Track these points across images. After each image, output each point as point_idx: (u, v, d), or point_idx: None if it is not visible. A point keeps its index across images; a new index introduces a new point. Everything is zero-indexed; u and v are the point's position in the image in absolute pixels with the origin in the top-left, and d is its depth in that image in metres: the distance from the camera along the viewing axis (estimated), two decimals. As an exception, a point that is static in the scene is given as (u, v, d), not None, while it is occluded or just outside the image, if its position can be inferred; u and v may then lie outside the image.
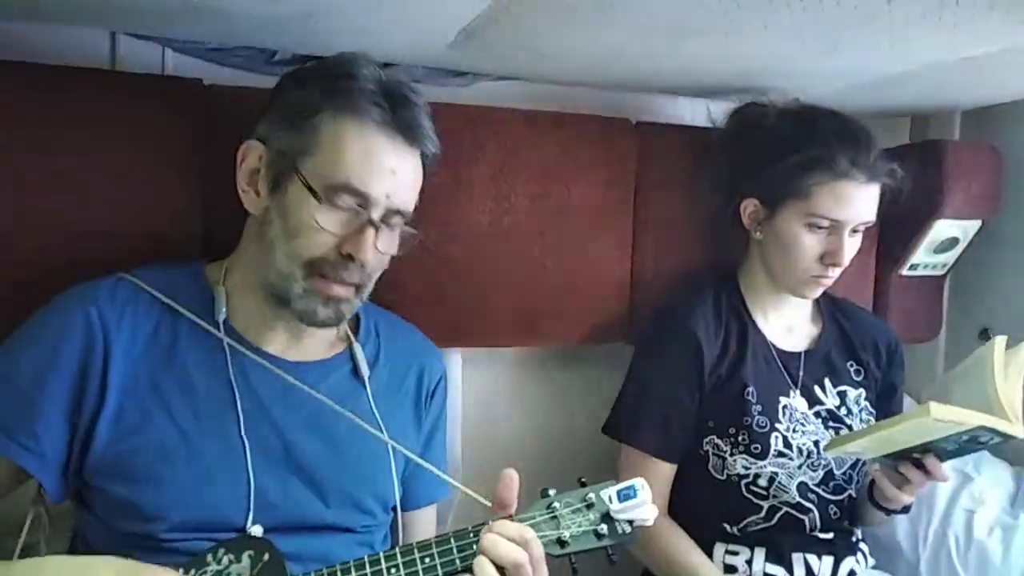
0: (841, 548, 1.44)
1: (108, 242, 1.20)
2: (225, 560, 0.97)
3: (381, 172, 1.04)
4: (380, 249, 1.06)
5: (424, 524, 1.25)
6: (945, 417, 1.11)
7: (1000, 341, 1.21)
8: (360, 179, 1.03)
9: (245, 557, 0.97)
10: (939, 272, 1.82)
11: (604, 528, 0.97)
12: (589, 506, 0.98)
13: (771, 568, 1.40)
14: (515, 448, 1.65)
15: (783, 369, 1.47)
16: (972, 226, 1.74)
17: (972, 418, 1.13)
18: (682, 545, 1.40)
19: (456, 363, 1.54)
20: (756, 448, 1.39)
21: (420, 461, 1.15)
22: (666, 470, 1.43)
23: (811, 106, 1.44)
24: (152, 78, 1.28)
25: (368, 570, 0.96)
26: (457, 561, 0.95)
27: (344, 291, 1.06)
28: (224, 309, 1.10)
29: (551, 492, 1.00)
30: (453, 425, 1.50)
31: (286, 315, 1.09)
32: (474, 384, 1.63)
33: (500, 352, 1.62)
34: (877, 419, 1.51)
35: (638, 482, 0.99)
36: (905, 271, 1.76)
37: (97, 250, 1.19)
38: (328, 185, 1.02)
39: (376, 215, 1.05)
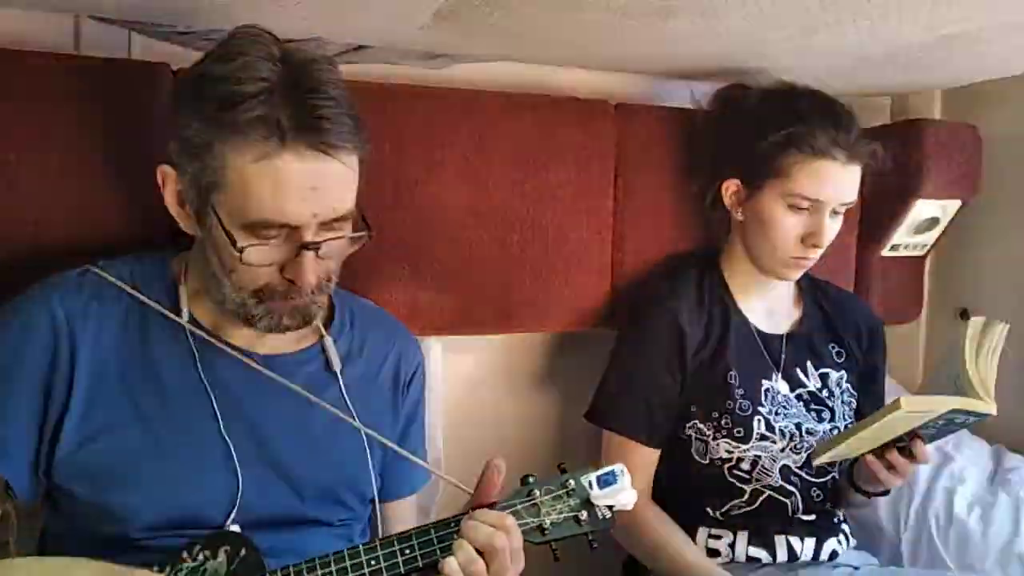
0: (823, 529, 1.44)
1: (73, 232, 1.17)
2: (201, 557, 0.96)
3: (299, 196, 0.93)
4: (323, 264, 1.00)
5: (404, 515, 1.24)
6: (916, 408, 1.16)
7: (976, 322, 1.22)
8: (277, 211, 0.93)
9: (221, 553, 0.96)
10: (919, 252, 1.82)
11: (584, 514, 0.97)
12: (569, 492, 0.98)
13: (754, 551, 1.40)
14: (497, 435, 1.63)
15: (765, 352, 1.46)
16: (952, 206, 1.74)
17: (943, 403, 1.16)
18: (667, 530, 1.39)
19: (437, 351, 1.52)
20: (739, 432, 1.39)
21: (397, 448, 1.13)
22: (649, 455, 1.43)
23: (793, 86, 1.44)
24: (118, 62, 1.24)
25: (348, 562, 0.94)
26: (438, 551, 0.94)
27: (304, 300, 1.01)
28: (185, 308, 1.06)
29: (531, 479, 0.99)
30: (435, 413, 1.49)
31: None
32: (455, 372, 1.61)
33: (481, 339, 1.61)
34: (858, 401, 1.52)
35: (618, 467, 0.98)
36: (886, 252, 1.77)
37: (61, 240, 1.16)
38: (245, 224, 0.94)
39: (309, 236, 0.95)
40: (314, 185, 0.94)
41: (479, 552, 0.90)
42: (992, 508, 1.59)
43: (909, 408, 1.14)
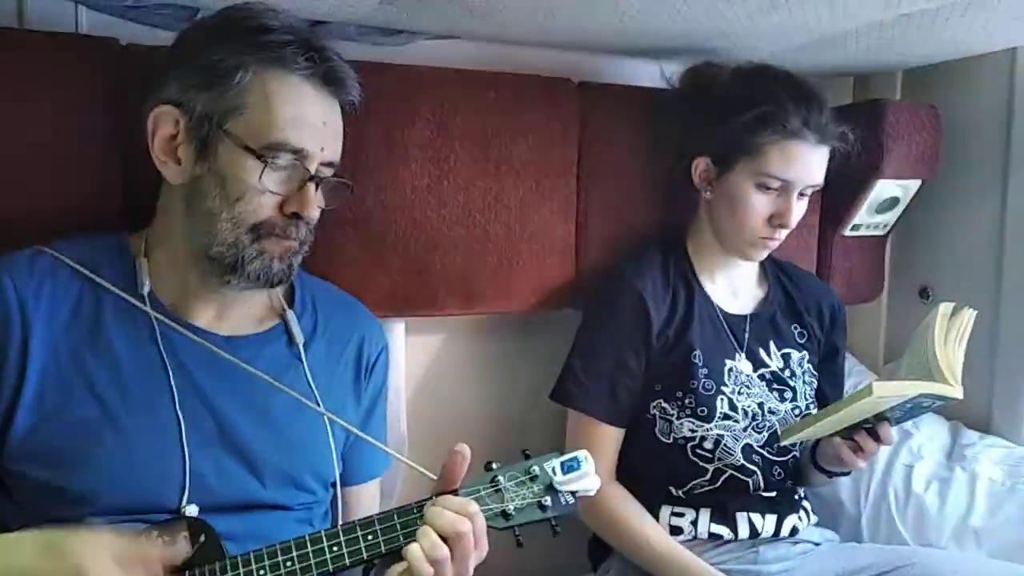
0: (784, 506, 1.45)
1: (20, 214, 1.13)
2: (159, 542, 0.94)
3: (314, 123, 1.03)
4: (320, 203, 1.05)
5: (366, 500, 1.23)
6: (887, 393, 1.18)
7: (945, 307, 1.24)
8: (297, 135, 1.00)
9: (181, 539, 0.95)
10: (881, 232, 1.83)
11: (548, 500, 0.97)
12: (533, 478, 0.98)
13: (716, 528, 1.41)
14: (460, 419, 1.62)
15: (729, 332, 1.47)
16: (912, 185, 1.75)
17: (912, 388, 1.19)
18: (631, 509, 1.40)
19: (399, 333, 1.50)
20: (702, 411, 1.39)
21: (359, 433, 1.12)
22: (614, 434, 1.43)
23: (766, 65, 1.43)
24: (64, 36, 1.20)
25: (309, 548, 0.94)
26: (400, 537, 0.94)
27: (294, 245, 1.05)
28: (147, 282, 1.05)
29: (495, 465, 0.99)
30: (397, 396, 1.47)
31: (215, 287, 1.05)
32: (418, 354, 1.60)
33: (444, 321, 1.59)
34: (819, 381, 1.53)
35: (581, 453, 0.99)
36: (847, 232, 1.77)
37: (8, 223, 1.12)
38: (264, 144, 0.99)
39: (315, 168, 1.03)
40: (325, 120, 1.04)
41: (442, 538, 0.89)
42: (949, 484, 1.61)
43: (881, 393, 1.16)
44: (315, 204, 1.03)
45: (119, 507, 0.97)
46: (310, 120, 1.02)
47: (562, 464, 0.98)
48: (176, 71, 1.02)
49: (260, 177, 0.99)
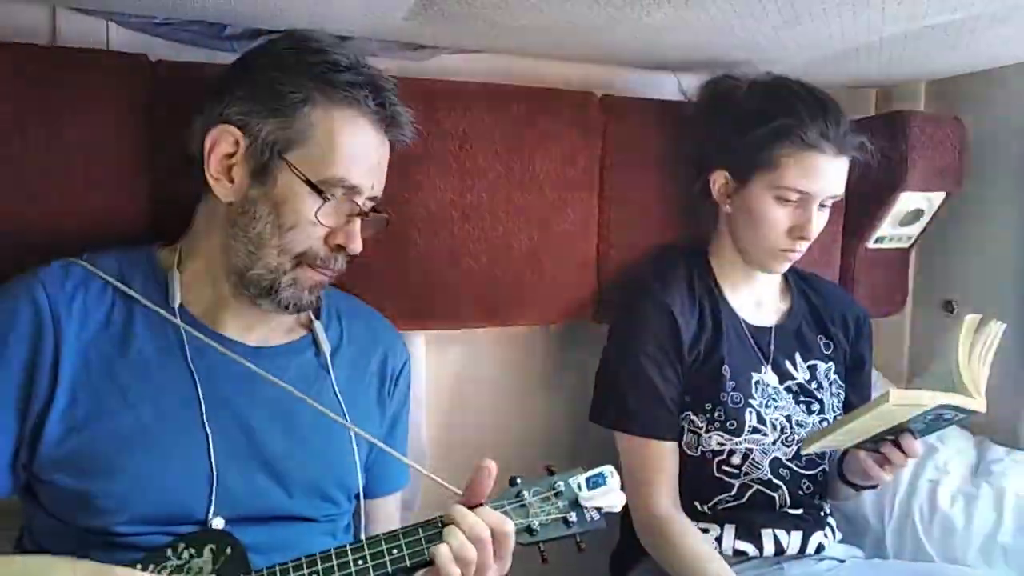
0: (810, 523, 1.44)
1: (50, 226, 1.15)
2: (186, 555, 0.95)
3: (371, 164, 1.06)
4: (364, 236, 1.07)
5: (388, 512, 1.23)
6: (904, 402, 1.16)
7: (971, 320, 1.22)
8: (355, 171, 1.04)
9: (206, 551, 0.95)
10: (905, 245, 1.82)
11: (573, 516, 0.96)
12: (558, 494, 0.98)
13: (741, 544, 1.40)
14: (481, 432, 1.62)
15: (754, 344, 1.46)
16: (937, 198, 1.74)
17: (932, 398, 1.16)
18: (702, 551, 1.34)
19: (420, 345, 1.51)
20: (731, 424, 1.39)
21: (387, 448, 1.13)
22: (673, 450, 1.41)
23: (783, 78, 1.43)
24: (94, 52, 1.21)
25: (335, 562, 0.93)
26: (425, 551, 0.93)
27: (328, 277, 1.08)
28: (179, 295, 1.06)
29: (519, 480, 0.99)
30: (418, 409, 1.47)
31: (247, 302, 1.06)
32: (439, 367, 1.60)
33: (465, 334, 1.59)
34: (846, 392, 1.52)
35: (607, 469, 0.98)
36: (871, 244, 1.76)
37: (38, 235, 1.14)
38: (323, 179, 1.02)
39: (365, 207, 1.07)
40: (379, 161, 1.09)
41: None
42: (975, 500, 1.59)
43: (897, 401, 1.14)
44: (360, 239, 1.06)
45: (146, 517, 0.98)
46: (369, 159, 1.06)
47: (587, 480, 0.97)
48: (241, 92, 1.03)
49: (316, 212, 1.02)
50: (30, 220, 1.14)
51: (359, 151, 1.04)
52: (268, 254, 1.03)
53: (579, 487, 0.97)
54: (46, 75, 1.14)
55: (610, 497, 0.97)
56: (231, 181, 1.04)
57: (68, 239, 1.12)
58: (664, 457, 1.40)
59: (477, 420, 1.64)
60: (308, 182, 1.01)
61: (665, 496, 1.38)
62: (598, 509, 0.97)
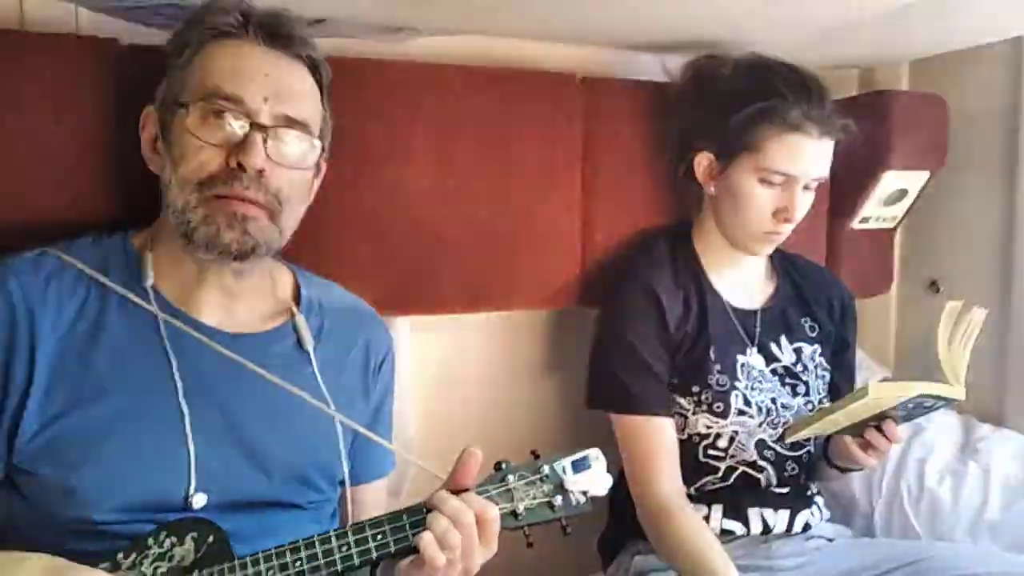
0: (797, 502, 1.44)
1: (23, 216, 1.13)
2: (167, 543, 0.94)
3: (251, 74, 1.02)
4: (274, 157, 1.01)
5: (374, 499, 1.22)
6: (884, 395, 1.16)
7: (951, 307, 1.22)
8: (230, 82, 1.00)
9: (188, 539, 0.94)
10: (889, 225, 1.82)
11: (559, 500, 0.96)
12: (543, 478, 0.97)
13: (728, 523, 1.40)
14: (467, 418, 1.61)
15: (740, 327, 1.45)
16: (921, 177, 1.74)
17: (910, 389, 1.17)
18: (699, 533, 1.33)
19: (404, 331, 1.50)
20: (718, 407, 1.39)
21: (368, 433, 1.12)
22: (670, 425, 1.40)
23: (767, 58, 1.41)
24: (64, 38, 1.19)
25: (318, 548, 0.93)
26: (410, 537, 0.93)
27: (246, 208, 1.00)
28: (151, 275, 1.04)
29: (504, 465, 0.98)
30: (403, 395, 1.46)
31: (209, 272, 1.05)
32: (424, 353, 1.59)
33: (451, 320, 1.58)
34: (832, 374, 1.52)
35: (592, 452, 0.98)
36: (856, 225, 1.76)
37: (10, 223, 1.12)
38: (199, 96, 1.00)
39: (263, 119, 1.01)
40: (267, 72, 1.03)
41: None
42: (962, 478, 1.60)
43: (876, 394, 1.15)
44: (259, 152, 0.99)
45: (129, 505, 0.97)
46: (247, 69, 1.02)
47: (572, 463, 0.97)
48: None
49: (194, 130, 0.99)
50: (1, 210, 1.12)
51: (234, 64, 1.02)
52: (175, 196, 1.00)
53: (564, 470, 0.97)
54: (15, 60, 1.12)
55: (595, 480, 0.96)
56: (158, 154, 1.06)
57: (41, 228, 1.10)
58: (664, 435, 1.39)
59: (464, 407, 1.63)
60: (180, 104, 1.01)
61: (668, 480, 1.37)
62: (584, 492, 0.96)
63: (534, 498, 0.96)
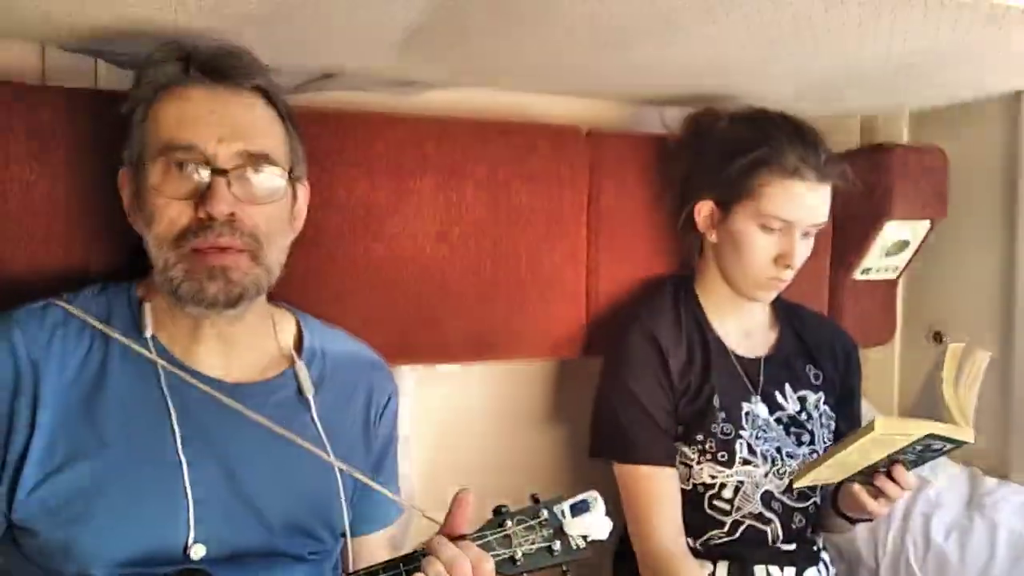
0: (803, 559, 1.43)
1: (37, 267, 1.15)
2: None
3: (200, 117, 1.00)
4: (242, 198, 0.99)
5: (377, 550, 1.20)
6: (890, 431, 1.14)
7: (954, 348, 1.21)
8: (181, 130, 0.99)
9: None
10: (892, 275, 1.83)
11: (557, 544, 0.95)
12: (542, 523, 0.96)
13: (734, 581, 1.38)
14: (471, 467, 1.60)
15: (744, 375, 1.46)
16: (922, 227, 1.75)
17: (919, 428, 1.15)
18: None
19: (408, 380, 1.50)
20: (723, 456, 1.38)
21: (370, 482, 1.11)
22: (673, 476, 1.40)
23: (763, 110, 1.45)
24: (83, 92, 1.22)
25: (316, 598, 0.92)
26: None
27: (223, 259, 0.99)
28: (149, 325, 1.04)
29: (504, 509, 0.98)
30: (406, 444, 1.46)
31: (194, 314, 1.03)
32: (429, 403, 1.59)
33: (455, 369, 1.58)
34: (837, 423, 1.51)
35: (591, 495, 0.97)
36: (858, 275, 1.77)
37: (24, 275, 1.14)
38: (156, 152, 1.00)
39: (221, 162, 0.99)
40: (214, 110, 1.01)
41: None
42: (968, 532, 1.58)
43: (884, 430, 1.13)
44: (223, 199, 0.97)
45: (126, 559, 0.96)
46: (195, 115, 1.00)
47: (572, 507, 0.96)
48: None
49: (156, 186, 0.99)
50: (14, 261, 1.14)
51: (180, 111, 1.01)
52: (155, 255, 1.01)
53: (563, 514, 0.96)
54: (36, 114, 1.14)
55: (595, 524, 0.95)
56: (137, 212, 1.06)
57: (52, 280, 1.12)
58: (666, 485, 1.39)
59: (467, 456, 1.62)
60: (139, 161, 1.01)
61: (669, 531, 1.36)
62: (584, 536, 0.96)
63: (533, 543, 0.95)
